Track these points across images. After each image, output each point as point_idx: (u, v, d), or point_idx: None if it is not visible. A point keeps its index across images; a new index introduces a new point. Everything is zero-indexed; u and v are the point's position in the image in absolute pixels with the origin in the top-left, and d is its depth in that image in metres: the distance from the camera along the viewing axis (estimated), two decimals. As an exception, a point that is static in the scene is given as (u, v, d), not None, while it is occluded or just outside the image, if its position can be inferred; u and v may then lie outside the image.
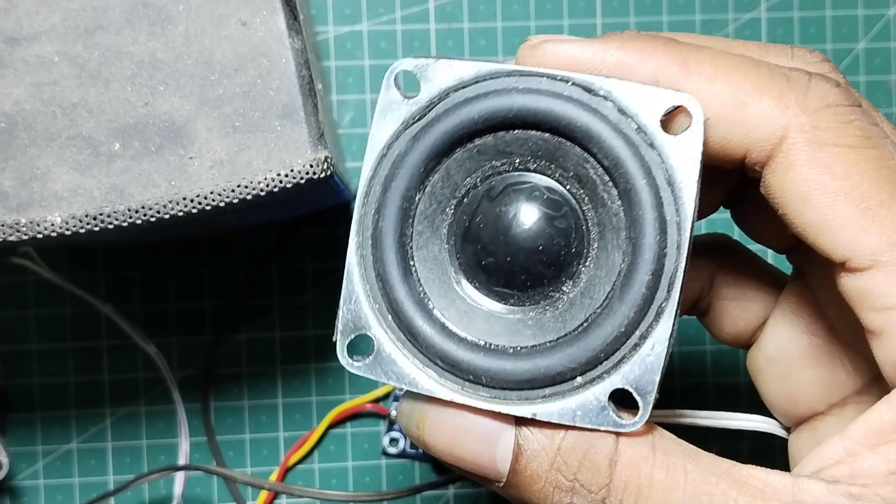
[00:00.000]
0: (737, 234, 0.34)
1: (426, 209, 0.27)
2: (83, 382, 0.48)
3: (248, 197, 0.34)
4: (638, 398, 0.25)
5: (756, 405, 0.34)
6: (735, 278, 0.33)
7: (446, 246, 0.27)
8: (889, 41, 0.50)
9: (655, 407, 0.25)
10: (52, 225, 0.33)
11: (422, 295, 0.26)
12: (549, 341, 0.26)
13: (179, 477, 0.47)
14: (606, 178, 0.25)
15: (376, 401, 0.49)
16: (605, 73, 0.26)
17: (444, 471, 0.49)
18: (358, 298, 0.26)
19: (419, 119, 0.26)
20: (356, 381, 0.49)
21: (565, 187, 0.26)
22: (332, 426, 0.49)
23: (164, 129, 0.34)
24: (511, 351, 0.26)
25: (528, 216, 0.26)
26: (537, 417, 0.25)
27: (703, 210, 0.27)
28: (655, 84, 0.25)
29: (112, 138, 0.34)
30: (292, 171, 0.34)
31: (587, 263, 0.26)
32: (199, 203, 0.33)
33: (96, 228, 0.33)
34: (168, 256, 0.48)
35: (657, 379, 0.25)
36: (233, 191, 0.33)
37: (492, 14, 0.49)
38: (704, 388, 0.50)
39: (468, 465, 0.26)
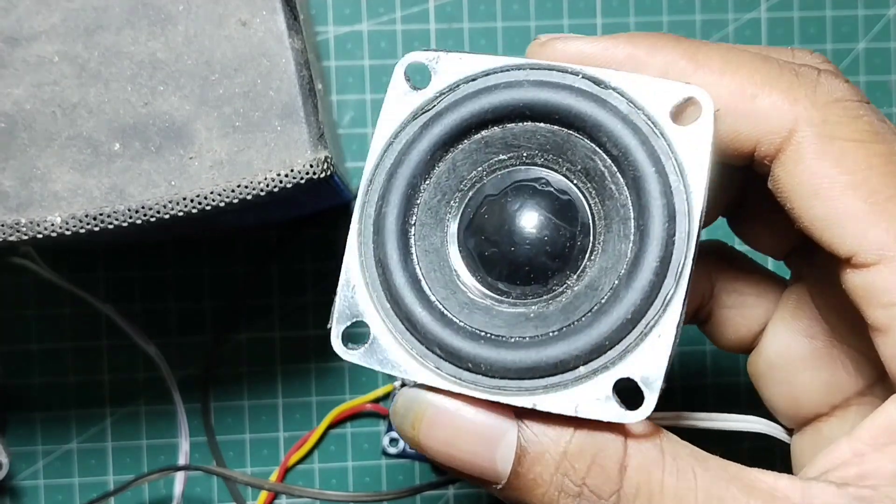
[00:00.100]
0: (733, 243, 0.34)
1: (430, 199, 0.26)
2: (83, 382, 0.48)
3: (248, 197, 0.34)
4: (644, 388, 0.24)
5: (756, 405, 0.34)
6: (734, 285, 0.33)
7: (449, 237, 0.27)
8: (889, 41, 0.50)
9: (658, 409, 0.24)
10: (52, 225, 0.33)
11: (421, 283, 0.26)
12: (552, 331, 0.25)
13: (179, 477, 0.47)
14: (615, 169, 0.25)
15: (376, 401, 0.49)
16: (614, 67, 0.26)
17: (444, 471, 0.49)
18: (356, 286, 0.26)
19: (428, 110, 0.26)
20: (356, 381, 0.49)
21: (573, 181, 0.26)
22: (332, 426, 0.49)
23: (164, 129, 0.34)
24: (512, 340, 0.25)
25: (533, 209, 0.26)
26: (537, 407, 0.24)
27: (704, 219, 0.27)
28: (665, 78, 0.25)
29: (112, 138, 0.34)
30: (292, 171, 0.34)
31: (593, 257, 0.26)
32: (199, 203, 0.33)
33: (96, 228, 0.33)
34: (168, 256, 0.48)
35: (664, 369, 0.24)
36: (233, 191, 0.33)
37: (492, 14, 0.49)
38: (704, 389, 0.50)
39: (466, 467, 0.25)
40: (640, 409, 0.24)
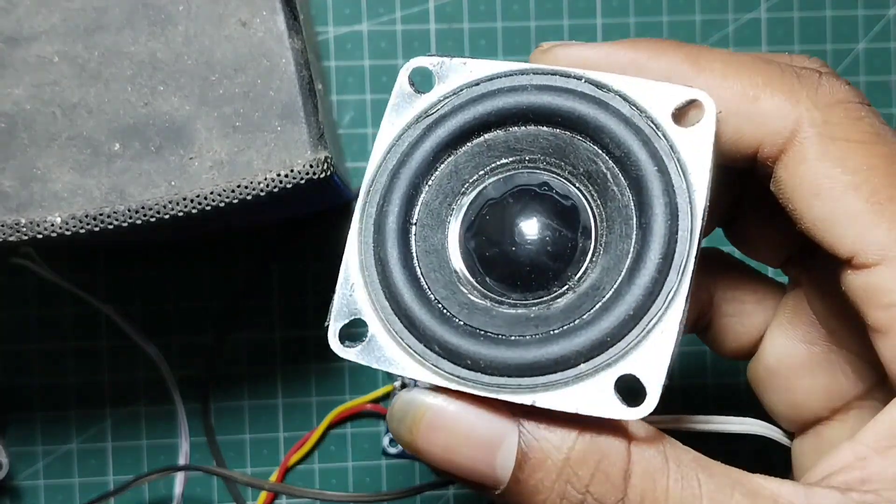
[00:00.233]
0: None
1: (432, 201, 0.27)
2: (83, 382, 0.48)
3: (248, 197, 0.34)
4: (646, 385, 0.24)
5: (756, 406, 0.35)
6: (734, 293, 0.33)
7: (450, 238, 0.27)
8: (889, 41, 0.50)
9: (658, 412, 0.24)
10: (52, 225, 0.33)
11: (421, 283, 0.26)
12: (553, 329, 0.25)
13: (179, 477, 0.47)
14: (617, 171, 0.25)
15: (376, 401, 0.49)
16: (616, 72, 0.26)
17: (442, 474, 0.49)
18: (354, 284, 0.26)
19: (431, 113, 0.26)
20: (356, 381, 0.49)
21: (575, 184, 0.26)
22: (332, 426, 0.49)
23: (164, 129, 0.34)
24: (512, 339, 0.25)
25: (535, 212, 0.26)
26: (536, 405, 0.24)
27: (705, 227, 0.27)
28: (667, 82, 0.25)
29: (112, 138, 0.34)
30: (292, 171, 0.34)
31: (595, 259, 0.26)
32: (199, 203, 0.33)
33: (96, 228, 0.33)
34: (168, 256, 0.48)
35: (666, 366, 0.24)
36: (233, 191, 0.33)
37: (492, 14, 0.49)
38: (704, 390, 0.50)
39: (465, 473, 0.25)
40: (642, 406, 0.23)
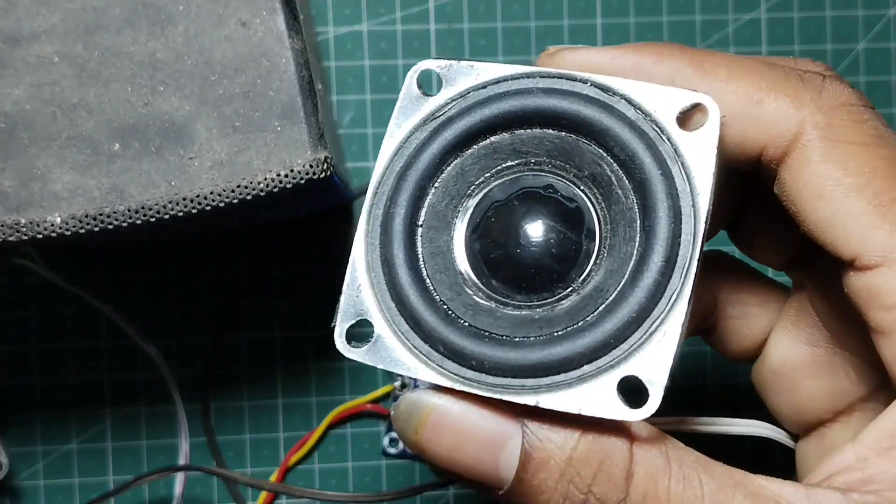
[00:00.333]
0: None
1: (438, 203, 0.27)
2: (83, 382, 0.48)
3: (248, 197, 0.34)
4: (648, 387, 0.24)
5: (757, 406, 0.35)
6: (738, 295, 0.33)
7: (455, 240, 0.27)
8: (889, 41, 0.50)
9: (661, 413, 0.24)
10: (52, 225, 0.33)
11: (426, 284, 0.26)
12: (557, 331, 0.25)
13: (179, 477, 0.47)
14: (621, 174, 0.26)
15: (376, 401, 0.49)
16: (622, 76, 0.26)
17: (445, 474, 0.49)
18: (361, 284, 0.26)
19: (438, 115, 0.27)
20: (356, 381, 0.49)
21: (580, 187, 0.26)
22: (332, 426, 0.49)
23: (164, 129, 0.34)
24: (516, 340, 0.25)
25: (540, 215, 0.26)
26: (540, 405, 0.24)
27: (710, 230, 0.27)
28: (672, 85, 0.26)
29: (112, 138, 0.34)
30: (292, 171, 0.34)
31: (599, 261, 0.26)
32: (199, 203, 0.33)
33: (96, 228, 0.33)
34: (168, 256, 0.48)
35: (669, 368, 0.24)
36: (233, 191, 0.33)
37: (492, 14, 0.49)
38: (705, 390, 0.50)
39: (469, 473, 0.25)
40: (645, 407, 0.24)
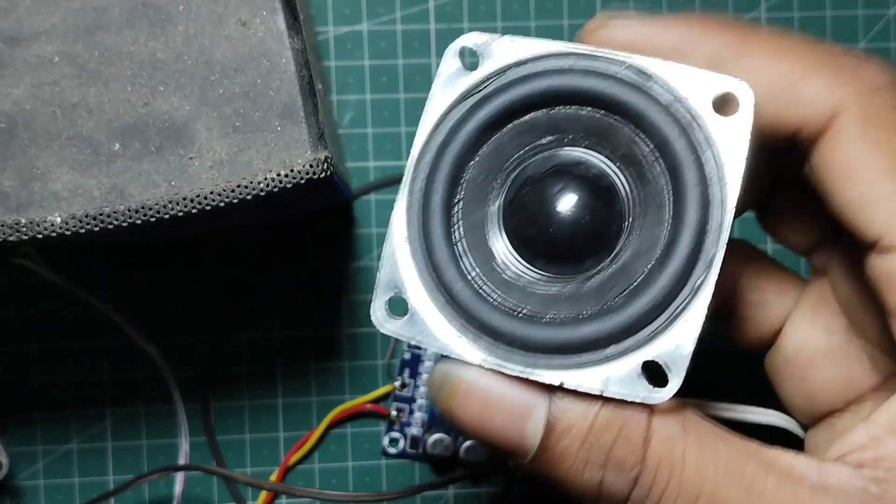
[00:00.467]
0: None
1: (475, 178, 0.27)
2: (83, 382, 0.48)
3: (248, 197, 0.34)
4: (669, 371, 0.25)
5: (755, 400, 0.35)
6: (756, 282, 0.33)
7: (490, 216, 0.28)
8: (889, 41, 0.50)
9: (681, 394, 0.25)
10: (52, 225, 0.33)
11: (462, 260, 0.27)
12: (585, 311, 0.26)
13: (179, 477, 0.47)
14: (654, 157, 0.26)
15: (376, 401, 0.49)
16: (662, 54, 0.26)
17: (444, 471, 0.49)
18: (398, 258, 0.27)
19: (477, 91, 0.27)
20: (356, 381, 0.49)
21: (613, 166, 0.27)
22: (332, 426, 0.49)
23: (164, 129, 0.34)
24: (545, 320, 0.26)
25: (573, 192, 0.27)
26: (565, 385, 0.25)
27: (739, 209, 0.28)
28: (713, 63, 0.26)
29: (112, 138, 0.34)
30: (292, 171, 0.34)
31: (628, 240, 0.27)
32: (199, 203, 0.33)
33: (96, 228, 0.33)
34: (168, 256, 0.48)
35: (689, 354, 0.25)
36: (233, 191, 0.34)
37: (492, 14, 0.49)
38: (705, 380, 0.50)
39: (496, 440, 0.26)
40: (665, 390, 0.25)
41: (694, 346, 0.25)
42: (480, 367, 0.26)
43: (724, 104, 0.26)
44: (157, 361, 0.48)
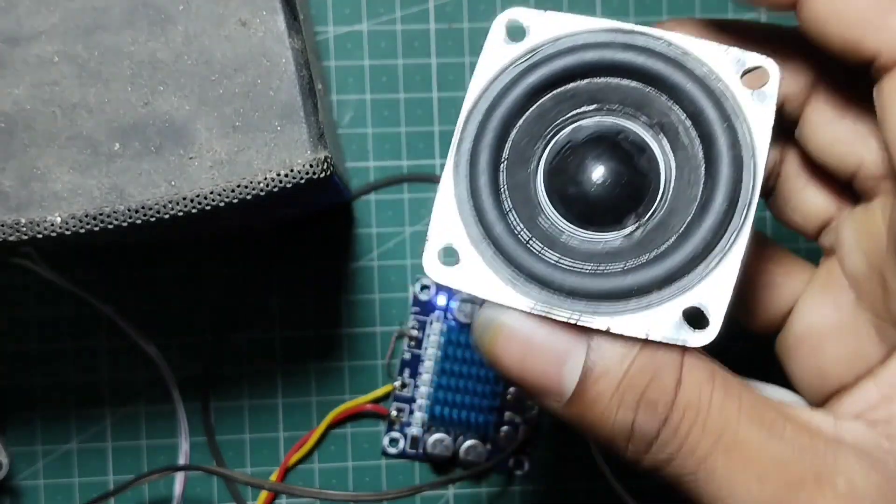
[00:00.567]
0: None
1: (519, 141, 0.29)
2: (83, 382, 0.48)
3: (248, 197, 0.34)
4: (709, 315, 0.27)
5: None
6: (766, 265, 0.35)
7: (534, 176, 0.29)
8: (889, 41, 0.50)
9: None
10: (52, 225, 0.33)
11: (508, 216, 0.29)
12: (627, 263, 0.28)
13: (179, 477, 0.48)
14: (688, 125, 0.29)
15: (376, 401, 0.49)
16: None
17: (444, 471, 0.49)
18: (448, 214, 0.29)
19: (523, 61, 0.29)
20: (356, 381, 0.49)
21: (649, 133, 0.29)
22: (332, 426, 0.49)
23: (164, 129, 0.34)
24: (588, 271, 0.28)
25: (612, 155, 0.29)
26: (611, 330, 0.27)
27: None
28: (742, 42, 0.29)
29: (112, 138, 0.34)
30: (292, 171, 0.34)
31: (664, 200, 0.29)
32: (199, 203, 0.33)
33: (96, 228, 0.33)
34: (168, 256, 0.48)
35: (728, 299, 0.27)
36: (233, 191, 0.34)
37: (492, 14, 0.49)
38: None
39: (533, 383, 0.27)
40: (705, 333, 0.27)
41: (732, 291, 0.27)
42: (528, 313, 0.27)
43: (752, 78, 0.28)
44: (157, 361, 0.48)
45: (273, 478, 0.48)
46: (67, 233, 0.33)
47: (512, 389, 0.48)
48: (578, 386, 0.27)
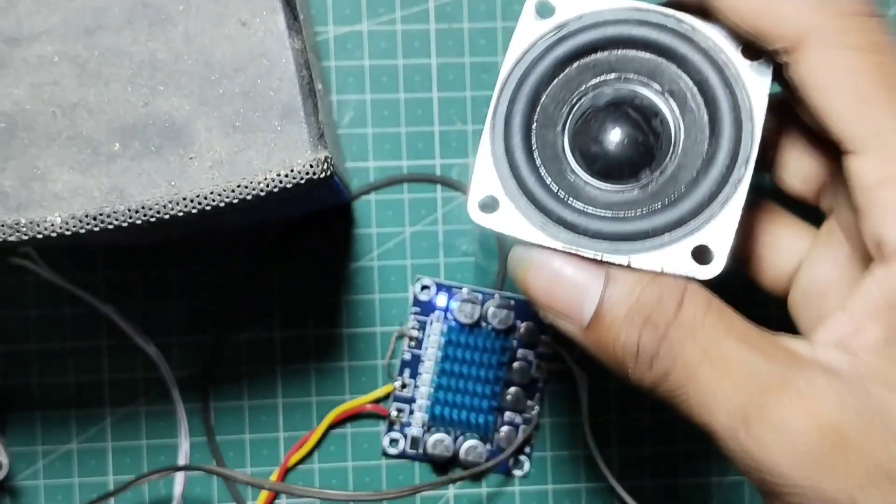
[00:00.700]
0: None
1: (548, 105, 0.34)
2: (83, 382, 0.48)
3: (248, 197, 0.34)
4: (715, 252, 0.32)
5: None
6: (770, 226, 0.38)
7: (561, 136, 0.34)
8: (889, 41, 0.50)
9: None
10: (52, 225, 0.33)
11: (540, 170, 0.33)
12: (643, 210, 0.33)
13: (179, 477, 0.47)
14: (695, 91, 0.33)
15: (376, 401, 0.49)
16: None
17: (444, 471, 0.49)
18: (488, 169, 0.33)
19: (551, 36, 0.34)
20: (356, 381, 0.49)
21: (661, 98, 0.33)
22: (332, 426, 0.49)
23: (164, 129, 0.34)
24: (609, 216, 0.33)
25: (629, 118, 0.33)
26: (631, 265, 0.32)
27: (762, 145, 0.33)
28: None
29: (112, 138, 0.34)
30: (292, 171, 0.34)
31: (674, 156, 0.33)
32: (199, 203, 0.33)
33: (96, 228, 0.33)
34: (168, 256, 0.48)
35: (731, 239, 0.32)
36: (233, 191, 0.34)
37: (492, 14, 0.49)
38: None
39: (559, 308, 0.32)
40: (711, 267, 0.32)
41: (735, 231, 0.32)
42: (556, 251, 0.32)
43: (750, 51, 0.33)
44: (157, 361, 0.48)
45: (273, 478, 0.48)
46: (67, 233, 0.33)
47: (512, 390, 0.48)
48: (596, 312, 0.31)
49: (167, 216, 0.33)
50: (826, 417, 0.28)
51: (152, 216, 0.33)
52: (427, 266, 0.49)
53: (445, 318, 0.48)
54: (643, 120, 0.33)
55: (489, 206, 0.33)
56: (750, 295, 0.37)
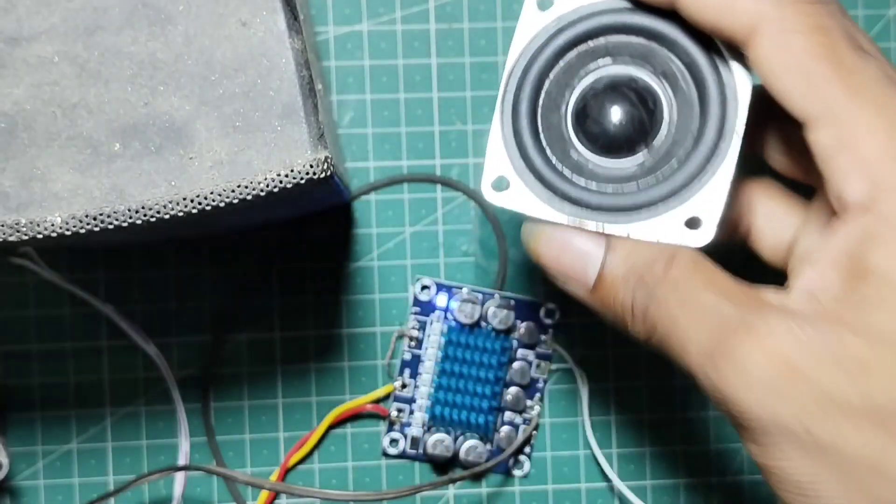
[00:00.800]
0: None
1: (551, 90, 0.36)
2: (83, 382, 0.48)
3: (248, 197, 0.34)
4: (704, 221, 0.34)
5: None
6: (766, 200, 0.40)
7: (564, 118, 0.37)
8: (889, 41, 0.50)
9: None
10: (52, 225, 0.33)
11: (546, 151, 0.36)
12: (639, 184, 0.35)
13: (179, 477, 0.47)
14: (685, 72, 0.35)
15: (376, 401, 0.49)
16: None
17: (444, 471, 0.49)
18: (499, 150, 0.36)
19: (553, 27, 0.36)
20: (356, 381, 0.49)
21: (655, 79, 0.36)
22: (332, 426, 0.49)
23: (164, 129, 0.34)
24: (609, 191, 0.36)
25: (626, 98, 0.36)
26: (630, 236, 0.35)
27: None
28: None
29: (112, 138, 0.34)
30: (292, 171, 0.34)
31: (668, 133, 0.36)
32: (199, 203, 0.33)
33: (96, 228, 0.33)
34: (168, 256, 0.48)
35: (720, 209, 0.34)
36: (233, 191, 0.34)
37: (492, 14, 0.49)
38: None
39: (567, 274, 0.36)
40: (702, 234, 0.34)
41: (723, 202, 0.34)
42: (564, 225, 0.35)
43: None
44: (157, 361, 0.48)
45: (273, 478, 0.48)
46: (67, 233, 0.33)
47: (512, 390, 0.49)
48: (598, 275, 0.35)
49: (167, 216, 0.33)
50: (779, 351, 0.30)
51: (152, 216, 0.33)
52: (427, 266, 0.49)
53: (445, 318, 0.48)
54: (639, 100, 0.36)
55: (501, 185, 0.36)
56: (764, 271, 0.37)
